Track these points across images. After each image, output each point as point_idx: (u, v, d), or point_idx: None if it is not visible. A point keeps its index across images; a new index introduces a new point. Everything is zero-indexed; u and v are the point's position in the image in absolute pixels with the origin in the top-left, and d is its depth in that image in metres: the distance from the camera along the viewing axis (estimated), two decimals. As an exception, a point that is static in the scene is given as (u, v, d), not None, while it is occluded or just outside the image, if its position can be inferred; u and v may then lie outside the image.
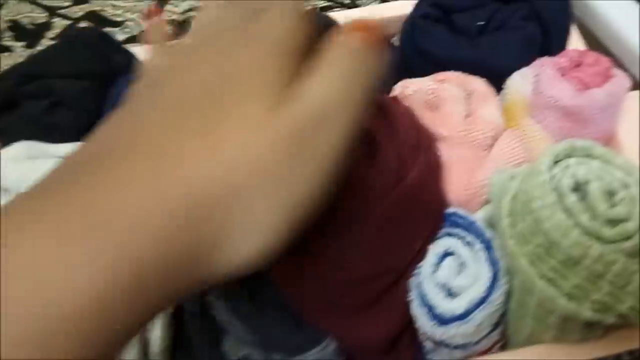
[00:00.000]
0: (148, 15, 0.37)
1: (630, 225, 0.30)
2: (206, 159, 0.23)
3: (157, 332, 0.37)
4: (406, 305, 0.36)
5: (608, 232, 0.30)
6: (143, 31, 0.40)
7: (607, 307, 0.30)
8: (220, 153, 0.23)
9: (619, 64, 0.44)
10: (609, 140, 0.42)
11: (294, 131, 0.23)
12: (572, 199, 0.31)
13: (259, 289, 0.39)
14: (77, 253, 0.20)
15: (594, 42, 0.46)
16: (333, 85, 0.24)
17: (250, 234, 0.23)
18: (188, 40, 0.28)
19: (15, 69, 0.42)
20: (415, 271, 0.35)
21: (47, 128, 0.39)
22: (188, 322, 0.39)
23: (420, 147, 0.36)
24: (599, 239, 0.30)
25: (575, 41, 0.45)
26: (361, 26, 0.26)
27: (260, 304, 0.39)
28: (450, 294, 0.34)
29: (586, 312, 0.30)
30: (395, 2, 0.50)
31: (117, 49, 0.44)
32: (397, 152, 0.35)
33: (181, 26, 0.40)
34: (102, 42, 0.43)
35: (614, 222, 0.30)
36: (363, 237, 0.34)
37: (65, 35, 0.63)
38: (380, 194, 0.34)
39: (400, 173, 0.35)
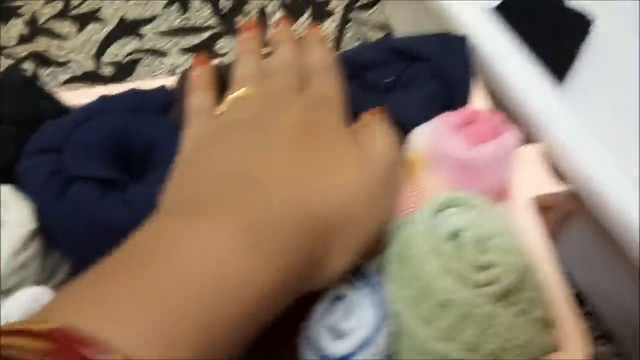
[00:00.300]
0: (197, 64, 0.40)
1: (498, 271, 0.33)
2: (326, 188, 0.28)
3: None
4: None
5: (477, 277, 0.33)
6: (185, 76, 0.44)
7: (475, 347, 0.33)
8: (336, 184, 0.29)
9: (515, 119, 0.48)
10: (501, 191, 0.45)
11: (381, 174, 0.32)
12: (446, 246, 0.34)
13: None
14: (250, 257, 0.25)
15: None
16: (386, 146, 0.35)
17: (341, 253, 0.29)
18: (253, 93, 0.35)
19: None
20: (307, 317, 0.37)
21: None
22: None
23: None
24: (468, 283, 0.33)
25: (479, 97, 0.49)
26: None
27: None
28: (339, 336, 0.36)
29: (455, 353, 0.33)
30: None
31: (44, 95, 0.46)
32: None
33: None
34: (27, 88, 0.45)
35: (483, 267, 0.33)
36: None
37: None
38: None
39: None
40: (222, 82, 0.41)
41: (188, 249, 0.24)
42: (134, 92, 0.46)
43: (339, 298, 0.38)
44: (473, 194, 0.37)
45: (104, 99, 0.46)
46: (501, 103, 0.50)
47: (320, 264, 0.29)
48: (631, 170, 0.44)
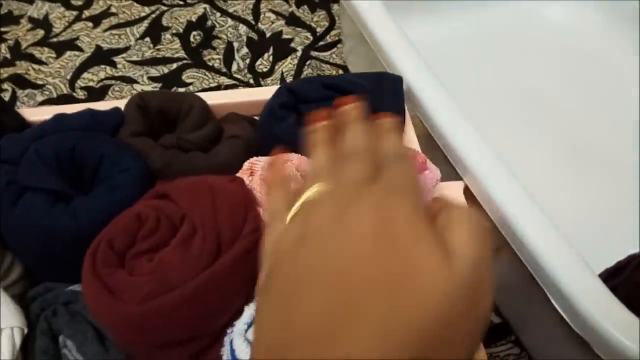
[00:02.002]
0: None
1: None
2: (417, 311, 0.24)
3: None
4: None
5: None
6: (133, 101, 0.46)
7: None
8: (426, 305, 0.24)
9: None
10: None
11: (470, 275, 0.25)
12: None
13: (105, 332, 0.44)
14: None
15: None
16: (474, 238, 0.27)
17: None
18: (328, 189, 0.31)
19: None
20: (228, 330, 0.40)
21: None
22: (39, 357, 0.43)
23: (243, 233, 0.42)
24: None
25: (409, 134, 0.54)
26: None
27: (105, 346, 0.44)
28: None
29: None
30: (264, 88, 0.58)
31: (5, 109, 0.50)
32: (217, 235, 0.41)
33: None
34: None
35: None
36: (174, 310, 0.39)
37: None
38: (195, 271, 0.39)
39: (214, 256, 0.40)
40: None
41: None
42: (88, 112, 0.50)
43: None
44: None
45: (59, 117, 0.49)
46: (430, 138, 0.55)
47: None
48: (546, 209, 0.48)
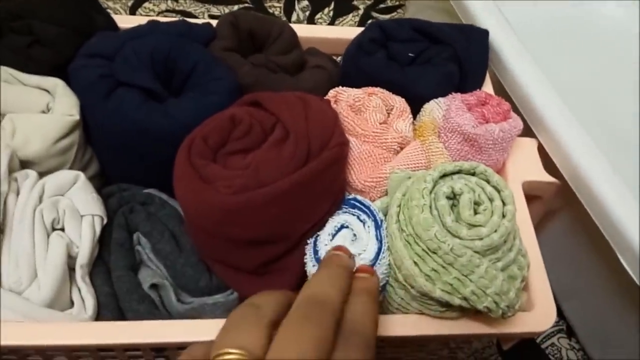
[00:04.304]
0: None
1: (484, 230, 0.37)
2: None
3: (84, 249, 0.42)
4: (301, 269, 0.42)
5: (465, 232, 0.37)
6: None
7: (453, 289, 0.37)
8: None
9: (517, 110, 0.53)
10: (495, 170, 0.49)
11: None
12: (442, 202, 0.38)
13: (180, 235, 0.45)
14: None
15: (501, 89, 0.55)
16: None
17: None
18: None
19: (2, 6, 0.47)
20: (309, 240, 0.42)
21: (25, 60, 0.45)
22: (114, 248, 0.44)
23: (329, 145, 0.42)
24: (455, 236, 0.37)
25: (487, 86, 0.54)
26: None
27: (179, 247, 0.44)
28: None
29: (437, 292, 0.37)
30: (343, 27, 0.58)
31: (99, 9, 0.50)
32: (307, 142, 0.41)
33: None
34: (87, 2, 0.49)
35: (472, 225, 0.38)
36: (263, 205, 0.39)
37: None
38: (286, 171, 0.40)
39: (303, 161, 0.41)
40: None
41: None
42: (182, 22, 0.50)
43: (344, 226, 0.42)
44: (479, 163, 0.41)
45: (154, 23, 0.50)
46: (507, 94, 0.55)
47: None
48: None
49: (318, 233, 0.42)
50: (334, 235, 0.41)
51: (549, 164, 0.52)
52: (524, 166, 0.52)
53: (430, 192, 0.39)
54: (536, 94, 0.52)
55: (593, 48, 0.83)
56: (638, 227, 0.44)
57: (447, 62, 0.52)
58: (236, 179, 0.39)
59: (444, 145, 0.48)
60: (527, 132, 0.53)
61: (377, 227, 0.41)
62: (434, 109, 0.49)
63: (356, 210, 0.42)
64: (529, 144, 0.53)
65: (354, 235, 0.41)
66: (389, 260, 0.40)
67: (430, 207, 0.39)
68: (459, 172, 0.41)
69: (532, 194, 0.52)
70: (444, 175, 0.41)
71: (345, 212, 0.43)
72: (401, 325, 0.41)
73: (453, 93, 0.50)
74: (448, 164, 0.41)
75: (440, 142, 0.48)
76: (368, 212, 0.42)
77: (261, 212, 0.39)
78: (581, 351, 0.60)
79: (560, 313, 0.61)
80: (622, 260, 0.46)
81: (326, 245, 0.40)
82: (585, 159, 0.49)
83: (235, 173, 0.40)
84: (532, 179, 0.51)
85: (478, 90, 0.52)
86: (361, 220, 0.42)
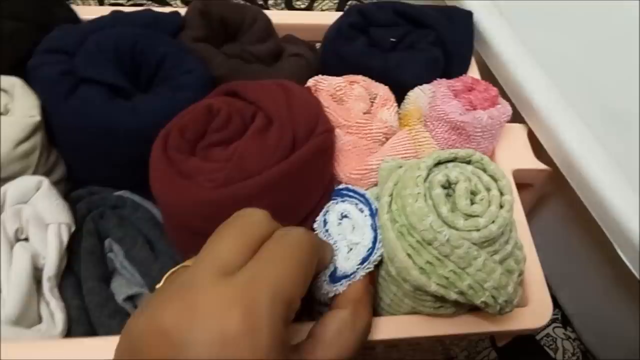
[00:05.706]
0: None
1: (481, 221, 0.35)
2: None
3: (51, 259, 0.39)
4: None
5: (461, 223, 0.35)
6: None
7: (450, 282, 0.35)
8: None
9: (505, 95, 0.51)
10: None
11: None
12: (437, 191, 0.36)
13: (156, 239, 0.42)
14: None
15: (488, 73, 0.53)
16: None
17: None
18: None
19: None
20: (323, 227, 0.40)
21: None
22: (84, 257, 0.41)
23: (316, 131, 0.40)
24: (452, 227, 0.35)
25: (473, 70, 0.52)
26: None
27: (154, 252, 0.42)
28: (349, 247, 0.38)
29: (432, 285, 0.35)
30: (322, 12, 0.55)
31: (59, 1, 0.47)
32: (292, 129, 0.39)
33: None
34: (45, -7, 0.46)
35: (469, 216, 0.35)
36: (252, 197, 0.37)
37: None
38: (272, 160, 0.38)
39: (290, 148, 0.39)
40: None
41: None
42: (147, 11, 0.47)
43: (344, 216, 0.40)
44: (475, 151, 0.39)
45: (117, 14, 0.47)
46: (493, 78, 0.53)
47: None
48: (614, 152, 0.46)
49: (315, 219, 0.40)
50: (338, 224, 0.40)
51: (539, 150, 0.50)
52: (514, 153, 0.49)
53: (425, 181, 0.37)
54: (525, 77, 0.50)
55: (585, 22, 0.80)
56: (632, 214, 0.43)
57: (431, 46, 0.49)
58: (219, 172, 0.37)
59: (431, 134, 0.46)
60: (516, 117, 0.50)
61: (372, 215, 0.39)
62: (418, 96, 0.47)
63: (354, 199, 0.41)
64: (519, 130, 0.51)
65: (353, 224, 0.40)
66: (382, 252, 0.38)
67: (425, 196, 0.36)
68: (454, 159, 0.39)
69: (523, 182, 0.50)
70: (438, 163, 0.38)
71: (344, 201, 0.41)
72: (395, 327, 0.39)
73: (438, 79, 0.48)
74: (442, 151, 0.39)
75: (426, 131, 0.46)
76: (365, 200, 0.40)
77: (250, 205, 0.37)
78: (577, 341, 0.58)
79: (555, 302, 0.59)
80: (616, 247, 0.44)
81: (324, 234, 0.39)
82: (578, 144, 0.46)
83: (217, 166, 0.38)
84: (523, 167, 0.49)
85: (464, 75, 0.49)
86: (359, 209, 0.40)
